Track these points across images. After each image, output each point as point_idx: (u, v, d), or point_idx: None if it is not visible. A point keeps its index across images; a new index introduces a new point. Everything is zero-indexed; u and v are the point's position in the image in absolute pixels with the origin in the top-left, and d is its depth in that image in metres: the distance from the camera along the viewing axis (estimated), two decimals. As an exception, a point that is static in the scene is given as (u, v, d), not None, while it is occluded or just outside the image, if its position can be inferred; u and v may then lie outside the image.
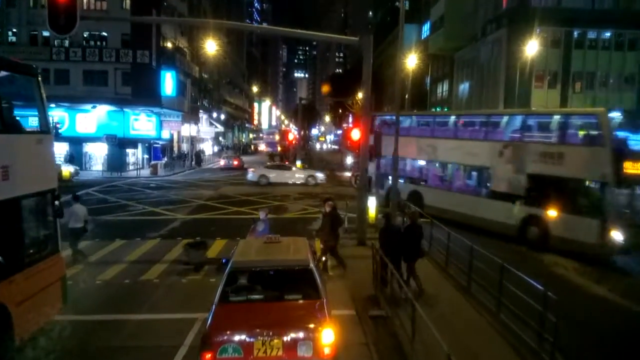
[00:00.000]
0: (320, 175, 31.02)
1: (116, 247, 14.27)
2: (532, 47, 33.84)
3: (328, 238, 11.60)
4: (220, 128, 66.76)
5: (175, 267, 12.11)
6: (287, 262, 6.81)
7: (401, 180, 18.37)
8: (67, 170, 29.53)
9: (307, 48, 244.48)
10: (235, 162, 44.58)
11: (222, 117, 67.48)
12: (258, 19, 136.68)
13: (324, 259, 9.46)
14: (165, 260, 12.79)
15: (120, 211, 20.19)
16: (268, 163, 36.96)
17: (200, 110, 55.04)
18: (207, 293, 10.02)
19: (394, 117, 16.94)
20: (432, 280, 10.81)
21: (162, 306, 9.52)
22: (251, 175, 30.28)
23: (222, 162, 46.25)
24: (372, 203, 15.65)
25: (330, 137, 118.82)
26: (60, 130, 29.35)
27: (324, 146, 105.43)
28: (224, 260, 8.70)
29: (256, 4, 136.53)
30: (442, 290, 10.31)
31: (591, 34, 38.93)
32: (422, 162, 19.82)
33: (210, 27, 56.21)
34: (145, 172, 37.27)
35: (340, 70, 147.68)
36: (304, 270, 6.66)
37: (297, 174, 31.17)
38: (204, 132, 57.68)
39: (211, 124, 61.67)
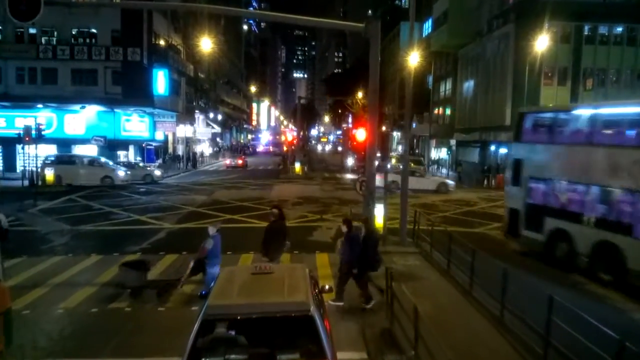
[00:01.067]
0: (451, 183, 30.35)
1: (88, 265, 12.54)
2: (541, 43, 32.17)
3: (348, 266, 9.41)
4: (218, 129, 64.99)
5: (106, 290, 10.28)
6: (280, 307, 5.11)
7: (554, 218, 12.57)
8: (50, 174, 27.77)
9: (305, 48, 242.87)
10: (240, 162, 47.11)
11: (220, 117, 65.73)
12: (257, 18, 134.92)
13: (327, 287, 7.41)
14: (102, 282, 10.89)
15: (102, 220, 18.49)
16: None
17: (197, 111, 53.30)
18: (142, 328, 8.45)
19: (567, 114, 13.31)
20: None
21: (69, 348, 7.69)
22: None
23: (227, 162, 49.16)
24: (379, 211, 13.98)
25: (331, 138, 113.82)
26: (44, 132, 27.51)
27: (327, 147, 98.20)
28: (203, 292, 7.03)
29: (254, 3, 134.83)
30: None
31: (602, 29, 37.29)
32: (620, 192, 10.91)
33: (205, 23, 54.68)
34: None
35: (340, 70, 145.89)
36: (304, 318, 4.97)
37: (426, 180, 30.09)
38: (200, 133, 55.92)
39: (208, 124, 59.93)
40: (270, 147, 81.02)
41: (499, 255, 11.87)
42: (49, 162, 29.44)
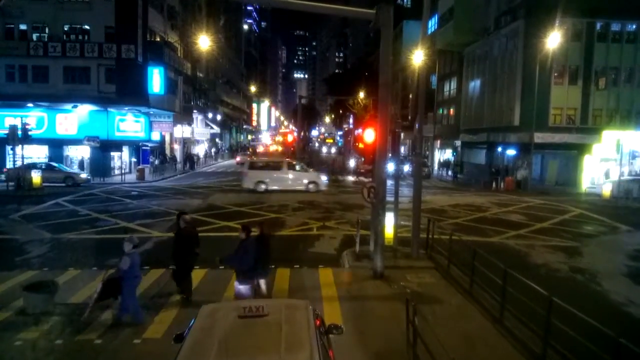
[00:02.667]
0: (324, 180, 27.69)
1: (63, 281, 11.11)
2: (553, 40, 30.80)
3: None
4: (217, 129, 63.59)
5: (12, 317, 8.76)
6: None
7: None
8: (37, 177, 26.37)
9: (306, 49, 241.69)
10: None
11: (219, 117, 64.32)
12: (257, 18, 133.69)
13: (336, 327, 5.87)
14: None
15: (87, 227, 17.08)
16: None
17: (195, 111, 51.87)
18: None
19: None
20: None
21: None
22: None
23: (238, 159, 51.77)
24: (389, 221, 12.55)
25: (338, 138, 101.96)
26: (31, 133, 26.16)
27: (332, 149, 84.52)
28: (183, 334, 5.59)
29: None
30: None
31: (615, 26, 35.91)
32: None
33: (204, 21, 53.39)
34: (132, 176, 34.18)
35: (340, 71, 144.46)
36: None
37: None
38: (198, 134, 54.55)
39: (207, 124, 58.55)
40: (270, 148, 79.96)
41: (530, 273, 10.48)
42: None
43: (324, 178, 27.44)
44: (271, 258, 9.59)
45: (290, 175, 27.19)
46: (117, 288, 8.42)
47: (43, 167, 29.37)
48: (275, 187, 26.60)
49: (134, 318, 8.48)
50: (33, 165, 28.92)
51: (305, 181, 26.88)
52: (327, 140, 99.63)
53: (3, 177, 27.10)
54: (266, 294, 9.21)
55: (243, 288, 8.66)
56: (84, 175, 30.61)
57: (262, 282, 9.29)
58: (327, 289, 10.50)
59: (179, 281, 9.75)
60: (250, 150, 66.09)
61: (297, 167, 28.20)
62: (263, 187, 26.48)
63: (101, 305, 8.82)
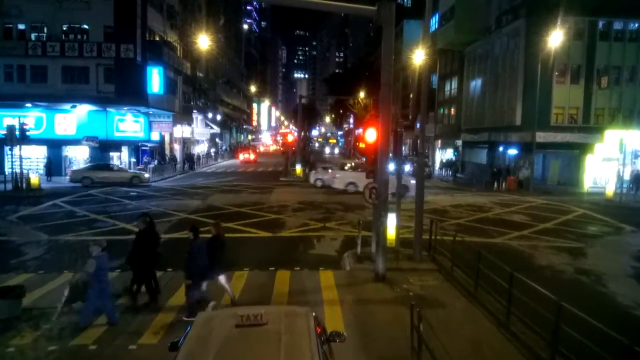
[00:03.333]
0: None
1: (58, 284, 10.87)
2: (555, 38, 30.56)
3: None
4: (217, 129, 63.37)
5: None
6: None
7: None
8: (36, 177, 26.13)
9: (306, 48, 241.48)
10: (253, 157, 56.27)
11: (219, 117, 64.09)
12: (257, 18, 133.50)
13: (338, 335, 5.59)
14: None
15: (84, 228, 16.86)
16: None
17: (195, 111, 51.64)
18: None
19: None
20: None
21: None
22: None
23: (241, 157, 56.50)
24: (390, 221, 12.33)
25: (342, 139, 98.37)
26: (29, 133, 25.92)
27: (336, 150, 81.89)
28: (178, 342, 5.36)
29: (255, 3, 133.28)
30: None
31: (617, 25, 35.68)
32: None
33: (204, 20, 53.15)
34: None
35: (341, 70, 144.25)
36: None
37: None
38: (198, 134, 54.34)
39: (207, 124, 58.33)
40: (270, 148, 79.58)
41: (535, 274, 10.23)
42: None
43: (413, 182, 26.92)
44: (226, 259, 9.67)
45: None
46: (85, 292, 8.31)
47: (109, 167, 31.45)
48: (358, 189, 25.94)
49: (109, 318, 8.38)
50: (98, 166, 30.77)
51: (396, 185, 26.32)
52: (329, 141, 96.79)
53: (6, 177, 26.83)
54: (230, 290, 9.44)
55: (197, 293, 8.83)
56: (147, 175, 31.92)
57: (223, 279, 9.38)
58: (328, 291, 10.28)
59: (140, 283, 9.68)
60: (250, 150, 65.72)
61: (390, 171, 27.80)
62: (353, 188, 26.27)
63: (70, 309, 8.65)
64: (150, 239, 9.68)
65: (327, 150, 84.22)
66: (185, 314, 8.84)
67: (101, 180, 29.10)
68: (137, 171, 32.56)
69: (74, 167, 30.88)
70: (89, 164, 31.99)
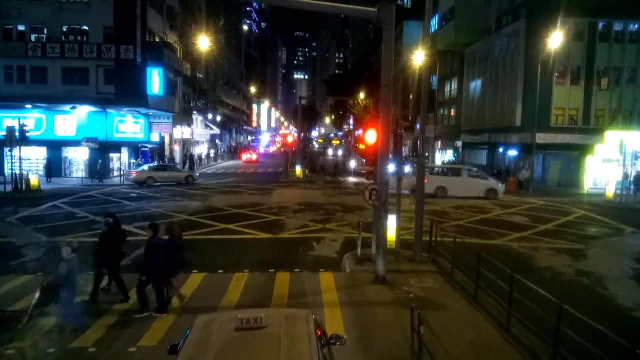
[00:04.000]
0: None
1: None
2: (555, 40, 30.54)
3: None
4: (217, 130, 63.35)
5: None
6: None
7: None
8: (35, 179, 26.11)
9: (306, 49, 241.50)
10: (254, 157, 57.43)
11: (219, 118, 64.08)
12: (257, 19, 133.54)
13: (338, 338, 5.52)
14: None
15: (83, 230, 16.81)
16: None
17: (195, 112, 51.66)
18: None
19: None
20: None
21: None
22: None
23: (244, 158, 57.92)
24: (391, 223, 12.29)
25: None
26: (29, 134, 25.90)
27: (339, 152, 74.92)
28: (178, 346, 5.33)
29: (255, 4, 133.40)
30: None
31: (617, 26, 35.71)
32: None
33: (204, 21, 53.15)
34: (131, 178, 33.84)
35: (341, 72, 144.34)
36: None
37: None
38: (198, 135, 54.28)
39: (207, 126, 58.31)
40: (270, 149, 79.48)
41: (536, 276, 10.19)
42: None
43: (501, 186, 26.58)
44: (183, 261, 9.83)
45: (470, 182, 26.68)
46: (57, 294, 8.28)
47: (167, 168, 34.04)
48: (454, 193, 26.18)
49: (75, 324, 8.32)
50: (159, 167, 33.20)
51: (485, 189, 26.22)
52: (333, 142, 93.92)
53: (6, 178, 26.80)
54: (176, 288, 9.69)
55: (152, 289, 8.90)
56: (198, 174, 34.96)
57: (176, 281, 9.68)
58: (328, 294, 10.25)
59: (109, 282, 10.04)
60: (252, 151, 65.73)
61: (478, 174, 27.92)
62: (442, 192, 26.42)
63: (43, 312, 8.60)
64: (115, 240, 9.91)
65: (331, 152, 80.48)
66: (146, 311, 9.04)
67: (161, 179, 31.08)
68: (189, 171, 36.13)
69: (138, 169, 32.78)
70: (150, 166, 33.80)
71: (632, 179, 28.00)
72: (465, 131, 46.04)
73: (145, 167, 32.80)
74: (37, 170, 32.44)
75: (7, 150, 27.19)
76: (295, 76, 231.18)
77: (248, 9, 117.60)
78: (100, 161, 32.84)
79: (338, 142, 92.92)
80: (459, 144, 48.14)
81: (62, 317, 8.33)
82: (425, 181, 27.37)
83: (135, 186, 29.82)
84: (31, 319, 8.31)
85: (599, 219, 21.36)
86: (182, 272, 10.08)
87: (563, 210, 23.56)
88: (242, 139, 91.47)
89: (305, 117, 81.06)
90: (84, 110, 34.22)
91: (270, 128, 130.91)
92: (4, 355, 7.48)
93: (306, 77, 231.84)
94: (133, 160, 37.13)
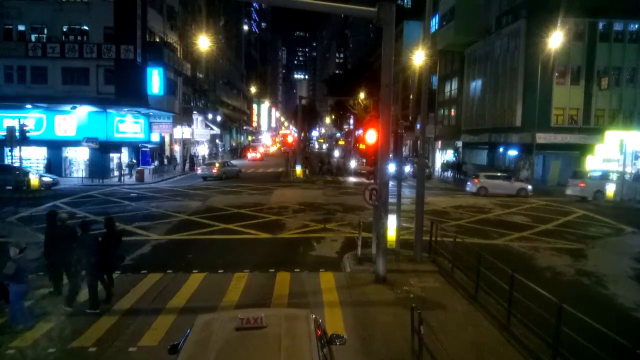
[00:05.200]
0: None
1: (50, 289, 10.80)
2: (555, 40, 30.57)
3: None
4: (217, 130, 63.36)
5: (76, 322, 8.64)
6: None
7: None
8: (35, 179, 26.11)
9: (306, 49, 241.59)
10: (259, 156, 60.34)
11: (219, 118, 64.07)
12: (257, 19, 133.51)
13: (338, 337, 5.37)
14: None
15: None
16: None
17: (195, 112, 51.64)
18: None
19: None
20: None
21: None
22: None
23: (249, 156, 60.40)
24: (391, 223, 12.29)
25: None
26: (29, 134, 25.88)
27: (336, 152, 70.95)
28: (178, 345, 5.33)
29: (255, 4, 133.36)
30: None
31: (617, 26, 35.72)
32: None
33: (204, 21, 53.16)
34: (131, 178, 33.91)
35: (341, 71, 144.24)
36: None
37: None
38: (198, 135, 54.27)
39: (207, 125, 58.31)
40: (270, 149, 79.16)
41: (536, 276, 10.20)
42: None
43: (529, 187, 29.41)
44: (119, 256, 10.18)
45: (506, 183, 29.69)
46: (5, 293, 8.34)
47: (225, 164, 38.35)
48: (493, 191, 28.97)
49: (23, 324, 8.32)
50: (223, 164, 37.84)
51: (517, 188, 29.20)
52: (339, 142, 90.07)
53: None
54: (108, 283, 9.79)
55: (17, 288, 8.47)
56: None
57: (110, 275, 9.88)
58: (328, 293, 10.24)
59: (56, 280, 10.16)
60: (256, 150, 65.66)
61: (509, 177, 31.03)
62: (483, 191, 29.00)
63: None
64: (65, 237, 10.03)
65: (337, 153, 71.90)
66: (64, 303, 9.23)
67: (226, 174, 35.76)
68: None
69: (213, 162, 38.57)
70: (218, 161, 39.75)
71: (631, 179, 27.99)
72: (465, 131, 46.04)
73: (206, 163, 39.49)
74: (38, 170, 32.39)
75: (7, 150, 27.23)
76: (295, 76, 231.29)
77: (248, 8, 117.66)
78: (116, 159, 34.05)
79: (343, 143, 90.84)
80: (459, 143, 48.13)
81: (10, 316, 8.39)
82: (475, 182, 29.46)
83: (135, 185, 29.75)
84: None
85: (599, 218, 21.36)
86: (117, 267, 10.44)
87: (563, 209, 23.56)
88: (242, 139, 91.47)
89: (305, 117, 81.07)
90: (84, 110, 34.23)
91: (271, 128, 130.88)
92: (5, 355, 7.49)
93: (306, 77, 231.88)
94: (125, 160, 37.03)
